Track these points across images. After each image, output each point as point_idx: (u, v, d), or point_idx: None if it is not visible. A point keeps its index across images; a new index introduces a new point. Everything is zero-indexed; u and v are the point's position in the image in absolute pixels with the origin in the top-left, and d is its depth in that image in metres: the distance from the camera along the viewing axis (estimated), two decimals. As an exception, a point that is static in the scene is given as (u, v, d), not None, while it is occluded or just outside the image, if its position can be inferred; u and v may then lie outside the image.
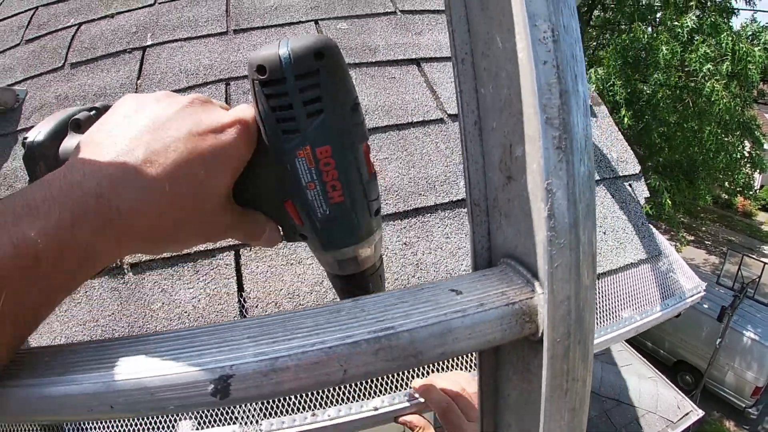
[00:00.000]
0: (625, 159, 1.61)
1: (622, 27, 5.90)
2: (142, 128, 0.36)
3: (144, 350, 0.33)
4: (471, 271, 0.44)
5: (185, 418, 1.15)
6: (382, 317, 0.39)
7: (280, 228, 0.48)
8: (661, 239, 1.61)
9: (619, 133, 1.67)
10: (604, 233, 1.42)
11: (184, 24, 1.91)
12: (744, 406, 9.61)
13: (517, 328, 0.46)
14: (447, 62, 1.67)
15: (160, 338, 0.35)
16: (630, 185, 1.59)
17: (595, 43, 6.86)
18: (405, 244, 1.25)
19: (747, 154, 7.16)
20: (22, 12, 2.18)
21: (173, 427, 1.15)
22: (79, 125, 0.44)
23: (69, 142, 0.44)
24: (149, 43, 1.83)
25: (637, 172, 1.61)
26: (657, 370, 5.31)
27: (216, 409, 1.14)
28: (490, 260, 0.43)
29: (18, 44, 2.01)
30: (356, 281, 0.53)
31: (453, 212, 1.29)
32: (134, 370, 0.31)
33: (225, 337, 0.35)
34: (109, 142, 0.35)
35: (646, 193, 1.61)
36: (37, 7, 2.17)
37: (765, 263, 9.85)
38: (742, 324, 9.50)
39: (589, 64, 5.98)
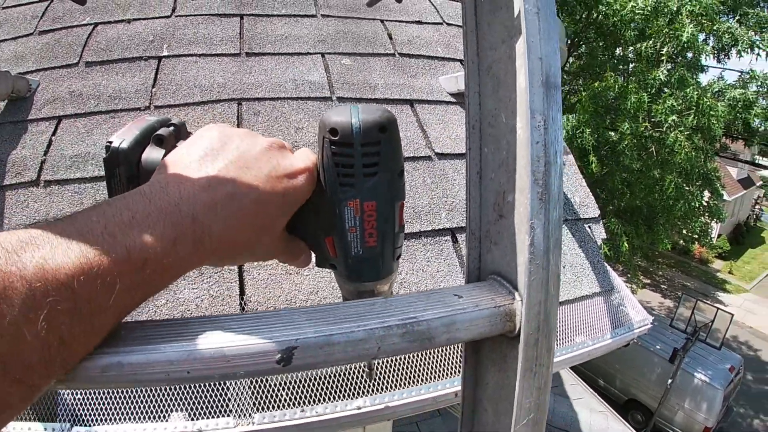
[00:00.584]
0: (586, 203, 1.82)
1: (598, 73, 6.27)
2: (228, 163, 0.42)
3: (220, 326, 0.42)
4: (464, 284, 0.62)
5: (179, 410, 1.25)
6: (408, 310, 0.53)
7: (314, 255, 0.55)
8: (614, 276, 1.81)
9: (583, 180, 1.88)
10: (564, 267, 1.61)
11: (199, 40, 1.99)
12: (694, 446, 9.93)
13: (500, 325, 0.66)
14: (437, 105, 1.86)
15: (232, 318, 0.45)
16: (589, 227, 1.79)
17: (567, 88, 7.25)
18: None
19: (705, 204, 7.60)
20: (36, 2, 2.21)
21: (166, 416, 1.24)
22: (161, 141, 0.49)
23: (152, 154, 0.48)
24: (165, 53, 1.91)
25: (597, 215, 1.81)
26: (608, 405, 5.49)
27: (211, 401, 1.24)
28: (479, 276, 0.60)
29: (31, 34, 2.04)
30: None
31: (434, 239, 1.46)
32: (214, 341, 0.40)
33: (288, 319, 0.46)
34: (200, 170, 0.41)
35: (603, 235, 1.81)
36: (52, 0, 2.20)
37: (718, 308, 10.30)
38: (693, 366, 9.89)
39: (564, 109, 6.32)
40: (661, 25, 5.88)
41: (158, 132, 0.49)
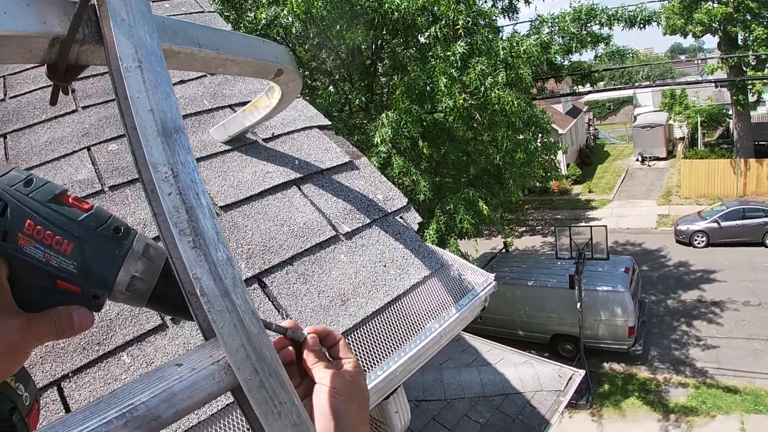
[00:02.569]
0: (391, 197, 1.87)
1: (404, 68, 6.66)
2: None
3: None
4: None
5: None
6: (127, 398, 0.52)
7: (85, 308, 0.57)
8: (443, 253, 1.88)
9: (382, 176, 1.94)
10: (385, 266, 1.63)
11: None
12: (627, 347, 10.92)
13: (229, 378, 0.63)
14: (213, 158, 1.80)
15: None
16: (401, 217, 1.84)
17: (386, 90, 7.63)
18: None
19: (541, 144, 8.41)
20: None
21: None
22: None
23: None
24: None
25: (405, 204, 1.88)
26: (529, 353, 5.79)
27: None
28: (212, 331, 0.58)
29: None
30: (158, 300, 0.63)
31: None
32: None
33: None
34: None
35: (419, 219, 1.88)
36: None
37: (591, 226, 11.42)
38: (593, 283, 10.86)
39: (385, 107, 6.62)
40: (448, 2, 6.36)
41: None
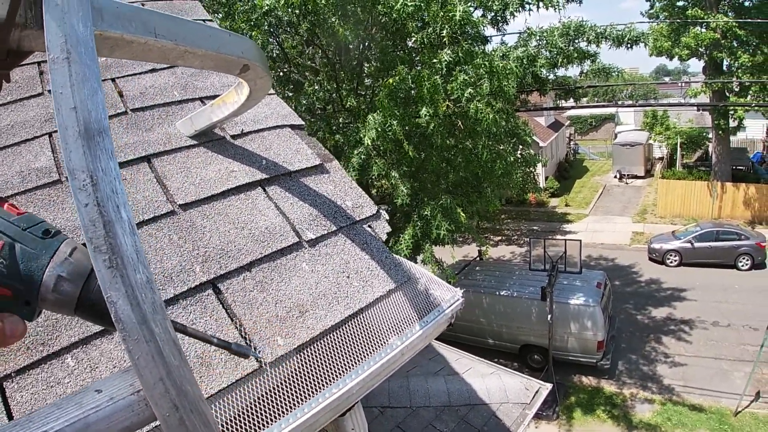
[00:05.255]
0: (360, 204, 1.81)
1: (391, 70, 6.61)
2: None
3: None
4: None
5: None
6: (42, 424, 0.49)
7: (17, 316, 0.58)
8: (411, 266, 1.82)
9: (353, 182, 1.87)
10: (348, 277, 1.56)
11: None
12: (595, 361, 11.06)
13: (149, 411, 0.56)
14: (177, 153, 1.72)
15: None
16: (369, 226, 1.78)
17: (371, 91, 7.57)
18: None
19: (520, 156, 8.45)
20: None
21: None
22: None
23: None
24: None
25: (375, 212, 1.81)
26: (497, 364, 5.79)
27: None
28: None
29: None
30: (88, 308, 0.61)
31: (194, 298, 1.32)
32: None
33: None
34: None
35: (387, 228, 1.81)
36: None
37: (565, 240, 11.55)
38: (565, 295, 10.98)
39: (369, 110, 6.56)
40: (436, 10, 6.36)
41: None
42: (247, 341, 1.28)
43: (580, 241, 11.20)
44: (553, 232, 19.28)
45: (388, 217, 1.89)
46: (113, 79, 2.09)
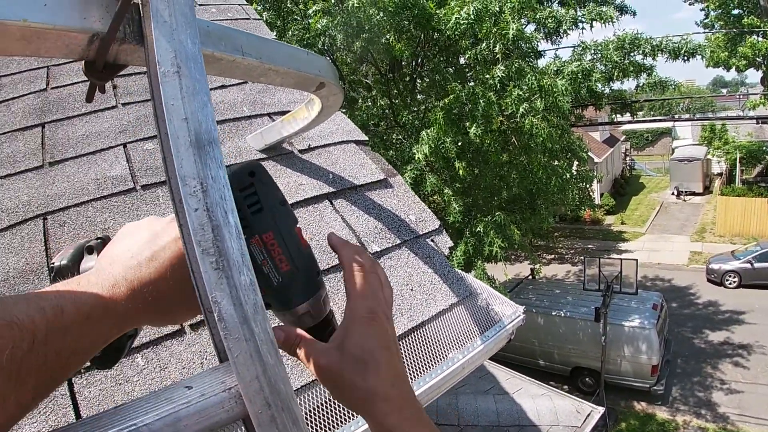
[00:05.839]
0: (424, 219, 1.81)
1: (444, 87, 6.64)
2: (144, 239, 0.58)
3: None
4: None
5: None
6: (131, 417, 0.50)
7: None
8: (472, 280, 1.81)
9: (416, 197, 1.88)
10: (411, 290, 1.57)
11: (3, 161, 1.84)
12: (648, 385, 10.51)
13: (239, 408, 0.58)
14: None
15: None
16: (432, 240, 1.78)
17: (424, 107, 7.61)
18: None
19: (576, 172, 8.23)
20: None
21: None
22: (92, 249, 0.64)
23: (87, 263, 0.63)
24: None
25: (437, 227, 1.81)
26: (548, 385, 5.60)
27: None
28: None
29: None
30: (318, 330, 0.66)
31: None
32: None
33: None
34: (125, 249, 0.57)
35: (450, 243, 1.81)
36: None
37: (621, 259, 11.07)
38: (620, 317, 10.52)
39: (422, 126, 6.58)
40: (489, 27, 6.36)
41: (89, 243, 0.64)
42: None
43: (636, 260, 10.72)
44: (608, 250, 18.55)
45: (445, 233, 1.89)
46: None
